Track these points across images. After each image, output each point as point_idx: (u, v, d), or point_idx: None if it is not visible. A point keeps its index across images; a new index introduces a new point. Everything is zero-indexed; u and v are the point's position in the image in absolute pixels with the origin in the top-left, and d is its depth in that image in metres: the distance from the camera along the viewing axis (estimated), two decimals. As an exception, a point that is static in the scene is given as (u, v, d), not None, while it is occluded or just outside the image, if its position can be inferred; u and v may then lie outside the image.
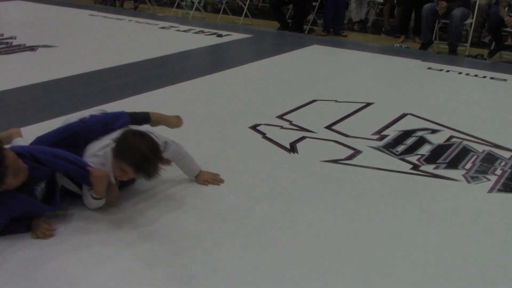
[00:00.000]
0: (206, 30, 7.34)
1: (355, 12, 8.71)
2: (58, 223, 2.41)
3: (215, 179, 2.87)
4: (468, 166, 3.24)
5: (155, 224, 2.46)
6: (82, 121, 2.61)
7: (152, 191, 2.77)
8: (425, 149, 3.46)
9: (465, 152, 3.45)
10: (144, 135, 2.43)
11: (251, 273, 2.15)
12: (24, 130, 3.05)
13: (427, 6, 6.85)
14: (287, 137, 3.56)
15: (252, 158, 3.24)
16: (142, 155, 2.34)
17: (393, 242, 2.42)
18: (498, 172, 3.18)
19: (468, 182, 3.04)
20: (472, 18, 7.10)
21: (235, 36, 7.05)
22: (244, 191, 2.83)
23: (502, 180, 3.08)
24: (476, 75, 5.55)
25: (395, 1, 8.28)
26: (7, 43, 5.89)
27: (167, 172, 2.98)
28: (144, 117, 2.88)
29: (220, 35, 7.02)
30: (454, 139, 3.65)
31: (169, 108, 4.04)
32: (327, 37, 7.83)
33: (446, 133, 3.75)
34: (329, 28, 7.98)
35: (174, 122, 3.08)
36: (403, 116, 4.09)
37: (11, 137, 2.83)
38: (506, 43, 7.17)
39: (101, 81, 4.64)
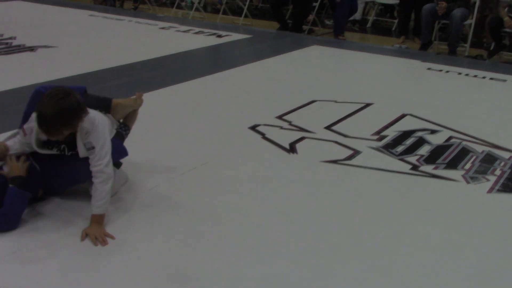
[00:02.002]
0: (206, 30, 7.34)
1: None
2: (58, 224, 2.42)
3: (101, 239, 2.31)
4: (467, 166, 3.24)
5: (154, 224, 2.47)
6: (45, 87, 2.56)
7: (151, 191, 2.77)
8: (424, 150, 3.46)
9: (464, 152, 3.45)
10: (61, 98, 2.26)
11: (251, 273, 2.15)
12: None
13: (426, 6, 6.84)
14: (286, 137, 3.56)
15: (251, 158, 3.25)
16: (41, 112, 2.24)
17: (393, 242, 2.42)
18: (498, 172, 3.19)
19: (468, 182, 3.05)
20: (472, 18, 7.10)
21: (235, 36, 7.05)
22: (243, 191, 2.83)
23: (501, 180, 3.08)
24: (476, 76, 5.55)
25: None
26: (7, 43, 5.89)
27: (167, 172, 2.99)
28: (104, 102, 2.70)
29: (220, 36, 7.03)
30: (453, 140, 3.66)
31: (169, 108, 4.06)
32: (327, 37, 7.83)
33: (446, 134, 3.75)
34: (343, 29, 7.72)
35: (130, 103, 2.83)
36: (403, 116, 4.09)
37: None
38: (503, 41, 7.16)
39: (101, 81, 4.64)
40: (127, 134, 2.78)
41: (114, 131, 2.67)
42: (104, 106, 2.68)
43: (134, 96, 2.86)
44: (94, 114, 2.43)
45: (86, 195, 2.66)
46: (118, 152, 2.62)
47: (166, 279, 2.09)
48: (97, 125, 2.40)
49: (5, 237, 2.29)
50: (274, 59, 5.92)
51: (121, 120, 2.81)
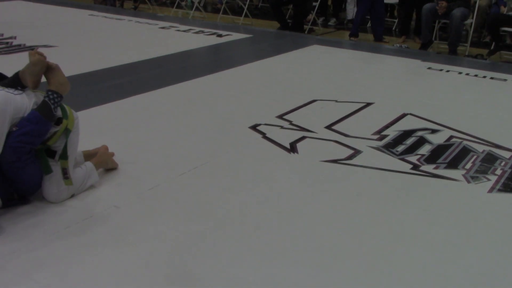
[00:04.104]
0: (206, 30, 7.34)
1: (348, 9, 8.77)
2: (58, 224, 2.42)
3: None
4: (468, 166, 3.24)
5: (155, 224, 2.47)
6: None
7: (151, 191, 2.77)
8: (425, 149, 3.46)
9: (465, 152, 3.45)
10: None
11: (251, 273, 2.15)
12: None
13: (427, 6, 6.84)
14: (287, 137, 3.56)
15: (252, 158, 3.24)
16: None
17: (393, 242, 2.42)
18: (498, 172, 3.18)
19: (468, 182, 3.04)
20: (472, 18, 7.10)
21: (235, 36, 7.05)
22: (244, 191, 2.83)
23: (502, 180, 3.08)
24: (476, 75, 5.55)
25: None
26: (7, 43, 5.89)
27: (167, 172, 2.98)
28: (14, 77, 2.54)
29: (220, 35, 7.03)
30: (454, 139, 3.65)
31: (169, 108, 4.05)
32: (327, 36, 7.83)
33: (446, 133, 3.75)
34: (357, 33, 7.56)
35: (28, 65, 2.55)
36: (403, 116, 4.09)
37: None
38: (507, 42, 7.18)
39: (101, 81, 4.64)
40: (55, 100, 2.49)
41: (32, 104, 2.45)
42: (15, 81, 2.51)
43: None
44: None
45: (84, 193, 2.66)
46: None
47: (166, 279, 2.09)
48: None
49: (5, 237, 2.29)
50: (274, 58, 5.92)
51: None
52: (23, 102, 2.40)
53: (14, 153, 2.34)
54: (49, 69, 2.59)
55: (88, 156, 2.88)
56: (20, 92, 2.44)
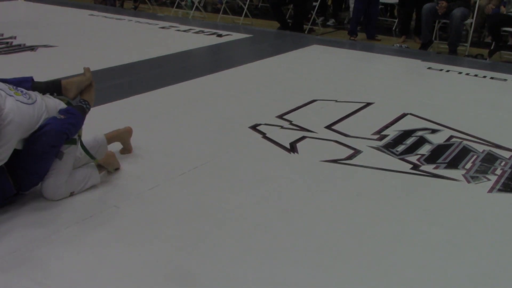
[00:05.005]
0: (206, 30, 7.33)
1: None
2: (58, 224, 2.42)
3: None
4: (468, 166, 3.24)
5: (155, 224, 2.47)
6: None
7: (151, 191, 2.77)
8: (425, 149, 3.46)
9: (465, 152, 3.45)
10: None
11: (251, 273, 2.15)
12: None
13: (427, 6, 6.84)
14: (287, 137, 3.56)
15: (252, 158, 3.24)
16: None
17: (393, 242, 2.42)
18: (498, 172, 3.18)
19: (468, 182, 3.04)
20: (472, 18, 7.10)
21: (235, 36, 7.05)
22: (244, 191, 2.83)
23: (502, 180, 3.08)
24: (476, 75, 5.55)
25: None
26: (7, 43, 5.89)
27: (167, 172, 2.98)
28: (54, 84, 2.73)
29: (220, 35, 7.02)
30: (454, 139, 3.65)
31: (169, 108, 4.05)
32: (327, 36, 7.83)
33: (446, 133, 3.75)
34: (356, 31, 7.61)
35: (80, 79, 2.85)
36: (403, 116, 4.09)
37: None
38: (508, 43, 7.18)
39: (101, 81, 4.63)
40: (88, 108, 2.76)
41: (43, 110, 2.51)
42: (54, 87, 2.71)
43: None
44: (9, 110, 2.28)
45: (84, 194, 2.66)
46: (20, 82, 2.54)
47: (166, 279, 2.09)
48: (6, 124, 2.27)
49: (5, 237, 2.29)
50: (274, 58, 5.92)
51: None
52: (34, 114, 2.45)
53: (59, 137, 2.47)
54: (89, 84, 2.90)
55: (111, 138, 3.02)
56: (34, 100, 2.47)
